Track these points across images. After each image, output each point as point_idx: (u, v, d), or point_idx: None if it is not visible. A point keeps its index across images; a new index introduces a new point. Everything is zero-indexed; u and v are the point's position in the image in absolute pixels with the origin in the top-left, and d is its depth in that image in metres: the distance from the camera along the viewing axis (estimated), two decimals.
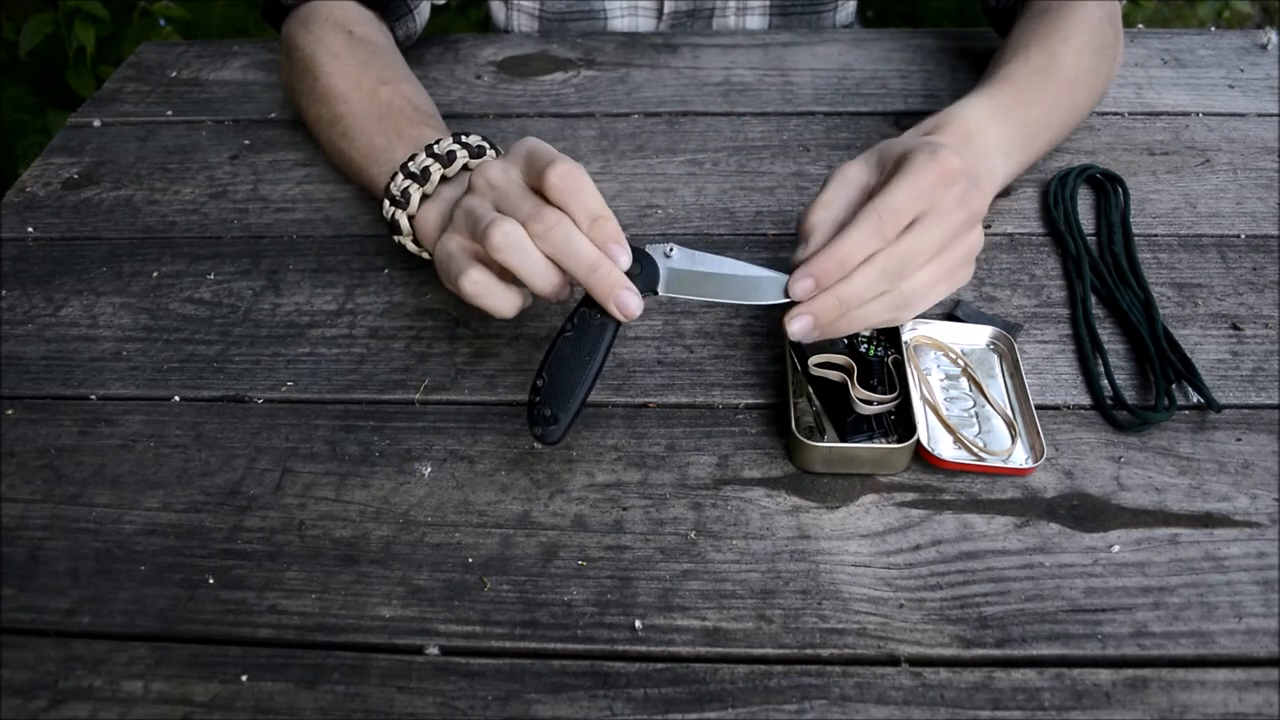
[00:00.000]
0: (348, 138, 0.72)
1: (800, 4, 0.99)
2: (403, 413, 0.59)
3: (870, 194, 0.55)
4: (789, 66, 0.88)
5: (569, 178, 0.52)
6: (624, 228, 0.71)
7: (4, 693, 0.47)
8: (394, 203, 0.63)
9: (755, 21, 0.99)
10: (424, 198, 0.63)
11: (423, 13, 0.86)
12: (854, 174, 0.57)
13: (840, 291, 0.52)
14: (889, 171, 0.55)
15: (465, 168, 0.63)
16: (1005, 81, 0.68)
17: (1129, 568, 0.50)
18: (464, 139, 0.63)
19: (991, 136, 0.64)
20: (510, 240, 0.52)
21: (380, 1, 0.82)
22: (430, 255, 0.65)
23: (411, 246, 0.65)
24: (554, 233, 0.52)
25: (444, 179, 0.63)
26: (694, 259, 0.55)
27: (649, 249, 0.55)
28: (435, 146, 0.63)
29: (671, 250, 0.55)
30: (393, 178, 0.63)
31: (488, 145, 0.64)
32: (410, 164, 0.63)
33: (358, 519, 0.54)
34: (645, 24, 1.00)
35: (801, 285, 0.53)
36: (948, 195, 0.54)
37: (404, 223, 0.63)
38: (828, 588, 0.50)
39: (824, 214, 0.55)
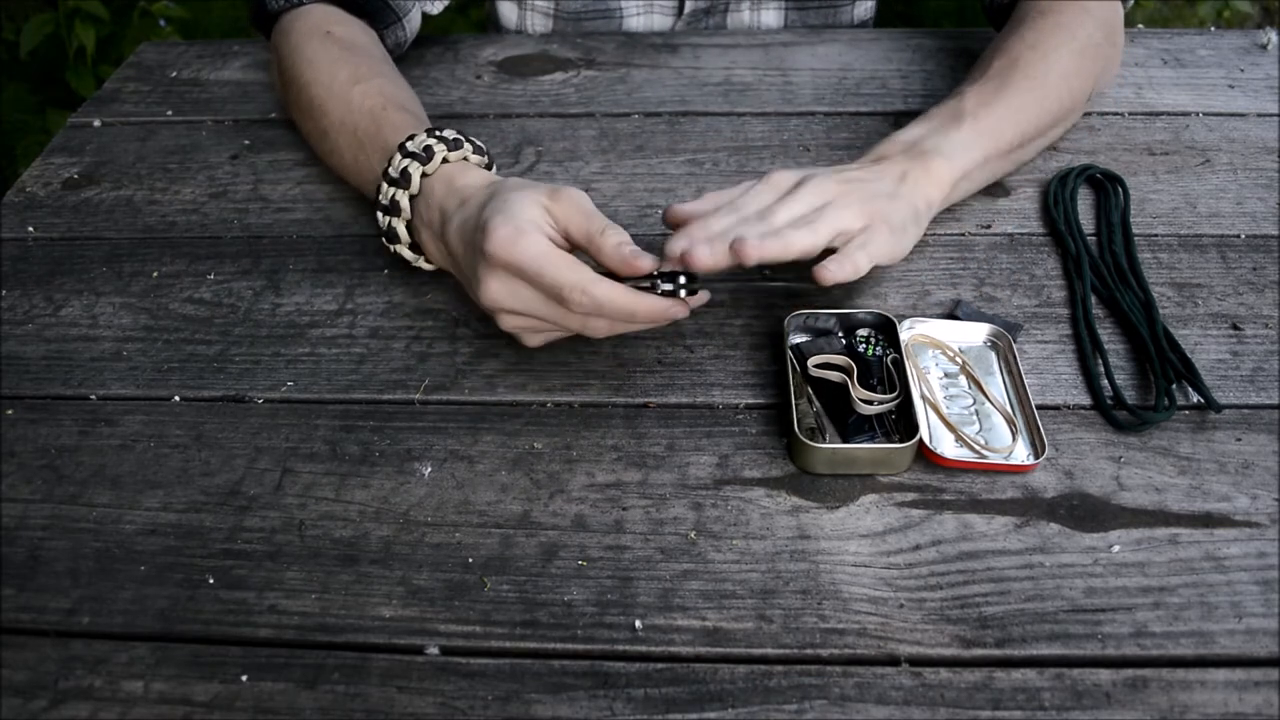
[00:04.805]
0: (336, 152, 0.73)
1: None
2: (403, 413, 0.59)
3: None
4: (789, 66, 0.88)
5: (589, 293, 0.52)
6: (624, 228, 0.71)
7: (4, 693, 0.47)
8: (386, 211, 0.63)
9: (770, 15, 0.98)
10: (412, 199, 0.62)
11: (413, 21, 0.85)
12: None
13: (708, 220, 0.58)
14: None
15: (445, 160, 0.62)
16: (954, 95, 0.70)
17: (1129, 568, 0.50)
18: (439, 133, 0.63)
19: (931, 140, 0.66)
20: (601, 331, 0.56)
21: (367, 10, 0.81)
22: (429, 264, 0.65)
23: (408, 254, 0.65)
24: (603, 327, 0.55)
25: (424, 176, 0.62)
26: None
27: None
28: (409, 144, 0.62)
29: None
30: (379, 188, 0.63)
31: (464, 138, 0.64)
32: (390, 169, 0.63)
33: (358, 519, 0.54)
34: (661, 21, 0.98)
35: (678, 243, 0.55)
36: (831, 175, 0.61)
37: (401, 231, 0.63)
38: (828, 588, 0.50)
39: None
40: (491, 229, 0.53)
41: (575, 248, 0.56)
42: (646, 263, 0.53)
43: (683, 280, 0.54)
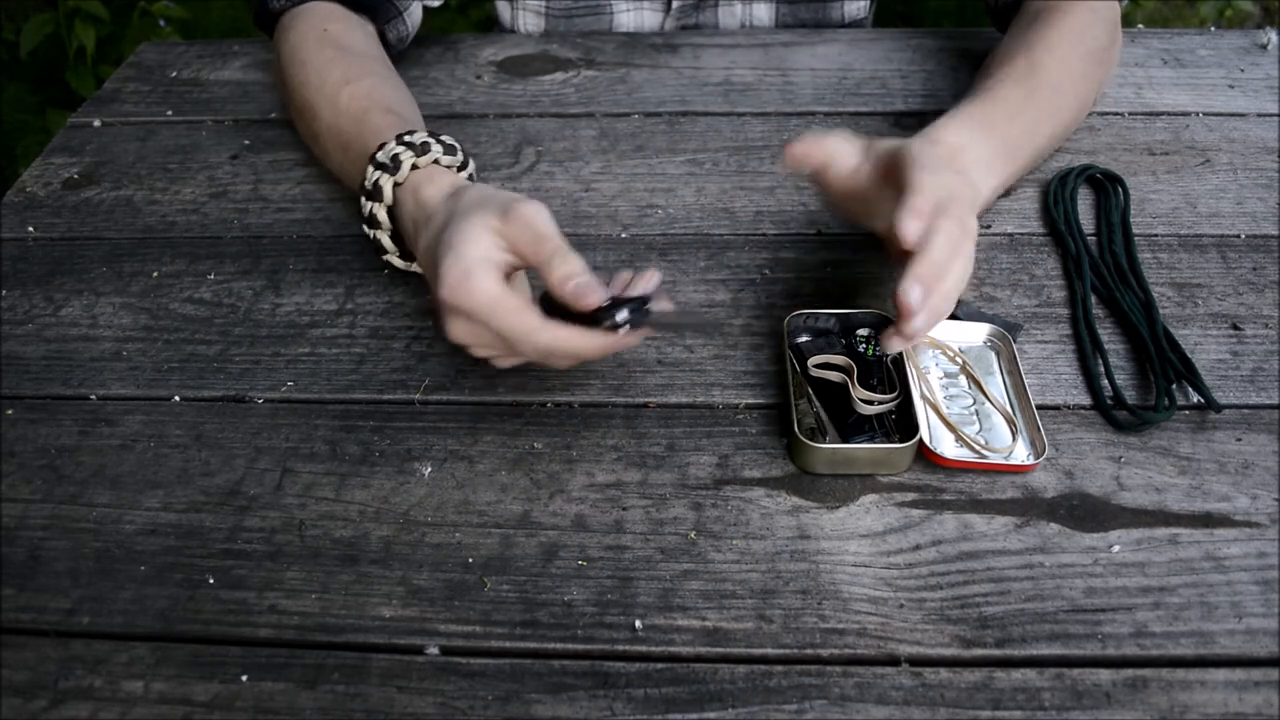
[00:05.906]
0: (327, 155, 0.73)
1: None
2: (403, 413, 0.59)
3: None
4: (789, 66, 0.88)
5: (533, 342, 0.52)
6: (624, 228, 0.72)
7: (4, 693, 0.47)
8: (368, 224, 0.63)
9: (762, 10, 0.98)
10: (389, 210, 0.62)
11: (414, 15, 0.85)
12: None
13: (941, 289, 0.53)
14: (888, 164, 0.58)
15: (414, 167, 0.61)
16: (987, 97, 0.67)
17: (1129, 568, 0.50)
18: (407, 138, 0.62)
19: (972, 152, 0.63)
20: (561, 365, 0.56)
21: (367, 6, 0.81)
22: (419, 266, 0.65)
23: (399, 263, 0.65)
24: (562, 362, 0.54)
25: (396, 185, 0.61)
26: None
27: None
28: (379, 153, 0.62)
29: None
30: (360, 201, 0.63)
31: (433, 140, 0.62)
32: (365, 181, 0.62)
33: (358, 519, 0.54)
34: (651, 18, 0.98)
35: (915, 292, 0.51)
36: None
37: (385, 241, 0.63)
38: (828, 588, 0.50)
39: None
40: (442, 273, 0.52)
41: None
42: (595, 297, 0.51)
43: (628, 312, 0.51)
